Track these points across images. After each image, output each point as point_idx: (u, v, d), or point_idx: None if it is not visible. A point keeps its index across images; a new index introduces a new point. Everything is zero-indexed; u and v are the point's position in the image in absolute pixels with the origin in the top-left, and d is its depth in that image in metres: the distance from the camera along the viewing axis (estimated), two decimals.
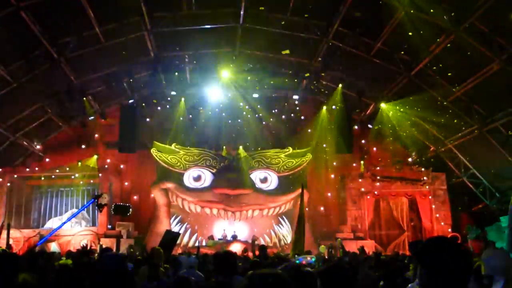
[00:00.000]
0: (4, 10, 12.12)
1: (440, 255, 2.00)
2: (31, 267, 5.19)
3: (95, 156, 19.43)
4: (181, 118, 19.95)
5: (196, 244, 18.28)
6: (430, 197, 19.73)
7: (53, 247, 16.50)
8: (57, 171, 18.79)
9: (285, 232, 20.17)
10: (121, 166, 20.15)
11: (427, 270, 2.02)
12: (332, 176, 21.03)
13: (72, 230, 17.93)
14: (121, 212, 16.56)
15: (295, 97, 20.37)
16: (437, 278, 1.97)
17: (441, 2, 12.81)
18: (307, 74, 18.17)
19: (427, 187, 19.68)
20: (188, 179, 19.82)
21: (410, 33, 14.02)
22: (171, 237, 10.10)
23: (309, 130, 20.75)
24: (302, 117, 20.74)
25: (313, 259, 9.97)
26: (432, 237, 2.26)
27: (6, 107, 15.69)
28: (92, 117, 19.40)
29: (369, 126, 20.61)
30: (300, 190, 19.64)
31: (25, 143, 18.36)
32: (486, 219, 17.74)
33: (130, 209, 16.55)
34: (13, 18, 12.41)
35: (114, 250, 13.13)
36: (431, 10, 12.95)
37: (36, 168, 18.91)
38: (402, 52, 15.88)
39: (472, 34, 13.10)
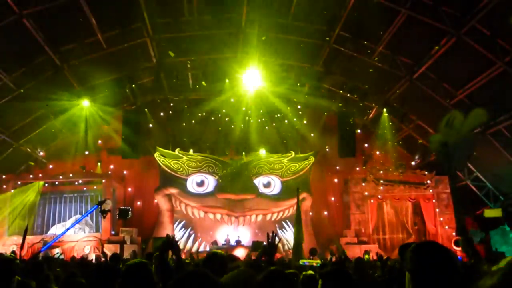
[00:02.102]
0: (7, 18, 12.22)
1: (422, 260, 1.99)
2: (35, 273, 5.19)
3: (99, 164, 19.51)
4: (184, 124, 19.98)
5: (200, 249, 18.29)
6: (433, 200, 19.65)
7: (57, 253, 16.51)
8: (60, 177, 18.85)
9: (289, 237, 20.10)
10: (124, 172, 20.17)
11: (412, 275, 2.02)
12: (336, 180, 21.00)
13: (76, 236, 17.94)
14: (123, 215, 16.63)
15: (298, 101, 20.38)
16: (422, 282, 1.97)
17: (442, 5, 12.83)
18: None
19: (430, 190, 19.61)
20: (191, 185, 19.82)
21: (411, 37, 14.09)
22: (161, 243, 10.07)
23: (311, 135, 20.74)
24: (305, 121, 20.72)
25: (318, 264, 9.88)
26: (415, 242, 2.25)
27: (9, 114, 15.76)
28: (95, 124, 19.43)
29: (372, 129, 20.57)
30: (303, 195, 19.75)
31: (28, 149, 18.43)
32: (490, 223, 17.65)
33: (130, 212, 16.60)
34: (16, 25, 12.52)
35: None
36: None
37: (40, 175, 18.96)
38: (404, 56, 15.91)
39: (474, 36, 13.11)
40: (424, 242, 2.13)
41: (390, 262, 10.74)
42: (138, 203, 20.02)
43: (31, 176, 18.89)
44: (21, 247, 10.74)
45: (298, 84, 18.50)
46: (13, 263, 3.70)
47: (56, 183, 19.04)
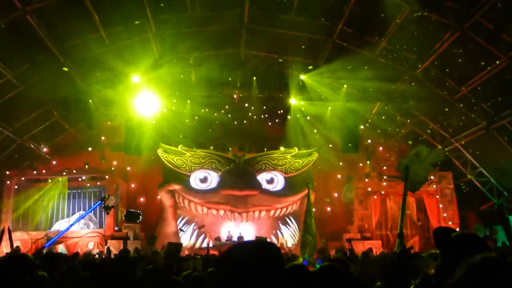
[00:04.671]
0: (10, 14, 12.24)
1: (466, 251, 1.98)
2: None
3: (102, 160, 19.60)
4: (187, 120, 19.99)
5: (204, 245, 18.31)
6: (437, 196, 19.63)
7: (61, 249, 16.61)
8: (64, 173, 18.91)
9: (292, 232, 20.15)
10: (128, 168, 20.21)
11: (451, 265, 2.01)
12: (339, 176, 20.97)
13: (80, 232, 18.03)
14: (132, 218, 16.83)
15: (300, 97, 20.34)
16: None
17: None
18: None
19: (434, 186, 19.58)
20: (194, 181, 19.85)
21: (415, 32, 14.03)
22: (175, 248, 10.34)
23: (315, 131, 20.71)
24: (308, 117, 20.69)
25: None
26: (459, 232, 2.24)
27: (13, 110, 15.81)
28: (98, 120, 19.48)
29: (375, 125, 20.51)
30: (306, 191, 19.72)
31: (32, 146, 18.49)
32: (494, 218, 17.60)
33: (141, 216, 16.81)
34: (20, 22, 12.53)
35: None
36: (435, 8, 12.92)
37: (43, 171, 19.04)
38: (407, 51, 15.82)
39: (477, 31, 13.04)
40: (465, 234, 2.14)
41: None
42: (141, 199, 20.07)
43: (34, 172, 18.97)
44: (11, 245, 10.86)
45: (302, 78, 18.44)
46: (30, 259, 3.72)
47: (60, 179, 19.09)
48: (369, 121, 20.73)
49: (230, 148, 20.51)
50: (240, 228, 19.36)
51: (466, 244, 2.05)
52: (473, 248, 2.03)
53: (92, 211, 18.56)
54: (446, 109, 16.96)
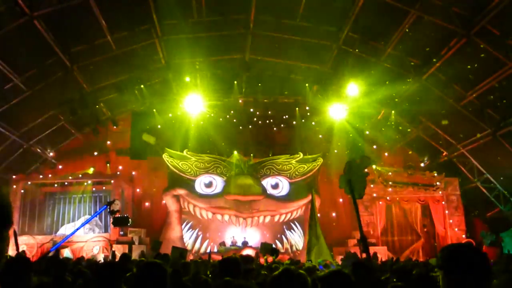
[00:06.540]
0: (18, 20, 12.32)
1: (462, 262, 1.98)
2: (46, 272, 5.23)
3: (108, 164, 19.70)
4: (192, 125, 20.02)
5: (208, 250, 18.28)
6: (443, 202, 19.52)
7: (66, 253, 16.62)
8: (70, 177, 18.98)
9: (297, 238, 20.08)
10: (133, 173, 20.26)
11: (449, 277, 2.01)
12: None
13: (85, 236, 18.04)
14: (121, 223, 16.73)
15: (306, 102, 20.35)
16: (459, 285, 1.96)
17: (452, 6, 12.74)
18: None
19: (440, 192, 19.48)
20: (199, 185, 19.84)
21: (421, 37, 14.02)
22: (178, 254, 10.31)
23: (320, 136, 20.67)
24: (313, 123, 20.66)
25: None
26: (454, 244, 2.24)
27: (19, 114, 15.88)
28: (104, 124, 19.56)
29: (380, 131, 20.44)
30: (311, 196, 19.68)
31: (38, 150, 18.56)
32: (501, 225, 17.50)
33: (130, 220, 16.70)
34: (27, 27, 12.61)
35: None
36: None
37: (50, 175, 19.11)
38: (413, 57, 15.80)
39: (484, 37, 13.00)
40: (459, 244, 2.15)
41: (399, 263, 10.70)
42: (147, 203, 20.10)
43: (41, 176, 19.04)
44: (17, 248, 10.87)
45: (307, 85, 18.46)
46: (29, 261, 3.75)
47: (66, 183, 19.17)
48: (375, 127, 20.68)
49: (235, 153, 20.49)
50: (245, 233, 19.33)
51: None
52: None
53: (98, 216, 18.61)
54: (452, 115, 16.87)
